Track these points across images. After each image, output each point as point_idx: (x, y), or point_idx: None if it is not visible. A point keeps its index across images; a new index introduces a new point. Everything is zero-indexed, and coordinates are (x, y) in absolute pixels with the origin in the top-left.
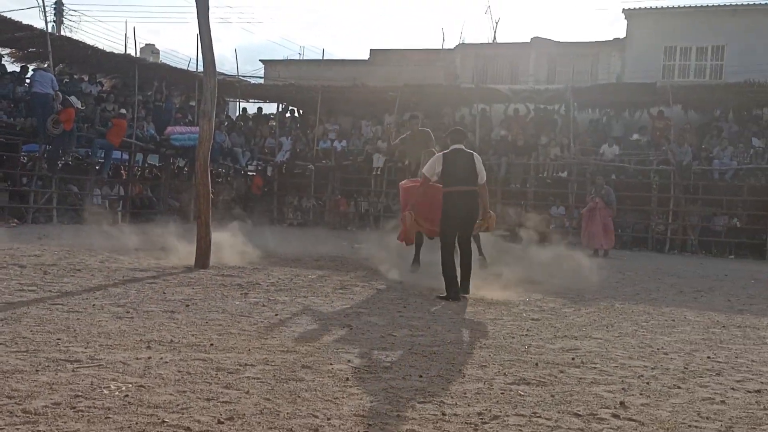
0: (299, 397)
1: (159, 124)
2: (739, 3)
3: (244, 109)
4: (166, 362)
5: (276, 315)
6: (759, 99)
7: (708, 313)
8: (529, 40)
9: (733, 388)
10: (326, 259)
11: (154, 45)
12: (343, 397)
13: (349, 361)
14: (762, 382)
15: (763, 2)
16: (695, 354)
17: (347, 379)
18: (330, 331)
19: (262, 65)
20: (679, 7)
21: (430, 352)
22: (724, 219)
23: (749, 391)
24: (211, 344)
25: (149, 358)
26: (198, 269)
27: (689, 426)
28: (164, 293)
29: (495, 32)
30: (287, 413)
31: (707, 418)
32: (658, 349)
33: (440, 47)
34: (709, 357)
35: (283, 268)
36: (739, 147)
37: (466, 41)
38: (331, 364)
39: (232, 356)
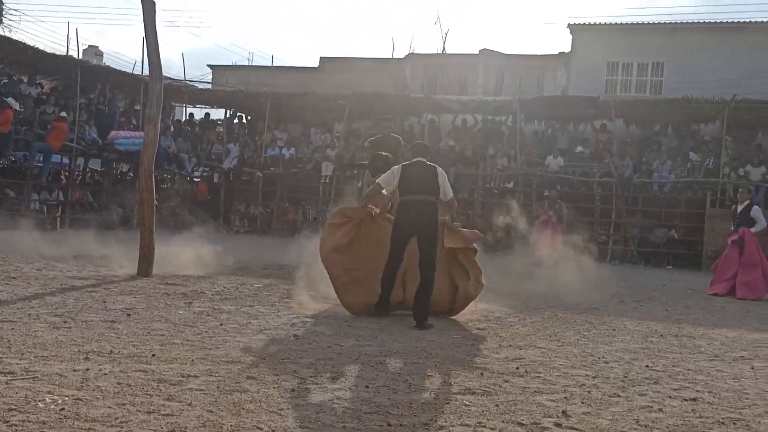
0: (243, 408)
1: (102, 128)
2: (678, 21)
3: (191, 114)
4: (105, 374)
5: (221, 325)
6: (696, 114)
7: (647, 322)
8: (477, 52)
9: (670, 396)
10: (273, 268)
11: (97, 47)
12: (288, 409)
13: (295, 371)
14: (698, 391)
15: (700, 21)
16: (634, 363)
17: (293, 390)
18: (276, 341)
19: (209, 70)
20: (621, 23)
21: (376, 362)
22: (662, 230)
23: (685, 399)
24: (153, 355)
25: (87, 369)
26: (140, 277)
27: None
28: (104, 302)
29: (444, 43)
30: (231, 426)
31: (645, 426)
32: (599, 358)
33: (390, 56)
34: (647, 366)
35: (228, 276)
36: (678, 161)
37: (416, 51)
38: (276, 374)
39: (175, 367)
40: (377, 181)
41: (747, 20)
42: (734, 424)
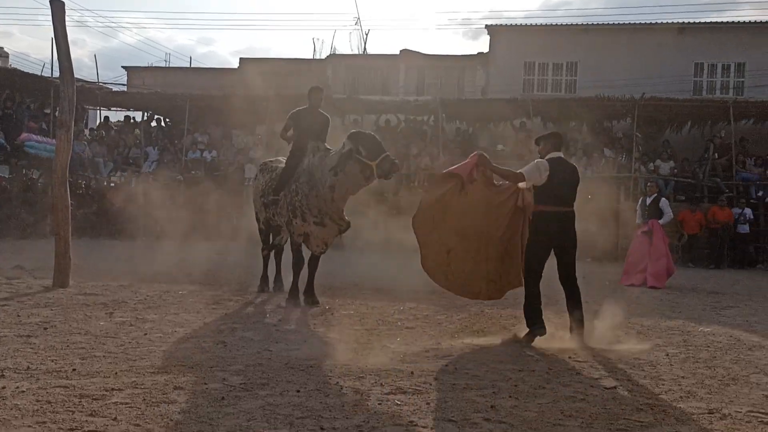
0: (171, 420)
1: (9, 133)
2: (590, 23)
3: (106, 117)
4: (23, 391)
5: (145, 335)
6: (609, 112)
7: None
8: (398, 53)
9: (592, 386)
10: (198, 274)
11: (2, 48)
12: (218, 417)
13: (224, 379)
14: (617, 379)
15: (611, 22)
16: (558, 355)
17: (222, 398)
18: (203, 349)
19: (124, 72)
20: (537, 25)
21: (306, 366)
22: (580, 225)
23: (606, 388)
24: (74, 369)
25: (3, 387)
26: (57, 288)
27: (554, 425)
28: (18, 316)
29: (365, 44)
30: None
31: (570, 416)
32: (524, 352)
33: (311, 57)
34: (570, 357)
35: (151, 284)
36: (593, 157)
37: (338, 52)
38: (205, 383)
39: (98, 381)
40: (520, 170)
41: (653, 21)
42: (652, 409)
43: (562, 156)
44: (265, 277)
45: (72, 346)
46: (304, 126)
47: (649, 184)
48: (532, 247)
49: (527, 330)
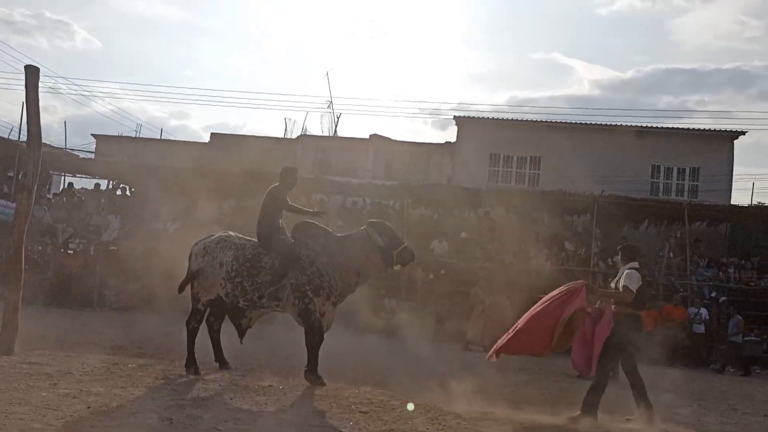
0: None
1: None
2: (553, 120)
3: (70, 183)
4: None
5: (88, 408)
6: (569, 207)
7: (523, 405)
8: (367, 137)
9: None
10: (150, 347)
11: None
12: None
13: None
14: None
15: (574, 122)
16: None
17: None
18: (148, 427)
19: (93, 139)
20: (503, 119)
21: None
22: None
23: None
24: None
25: None
26: (1, 356)
27: None
28: None
29: (336, 126)
30: None
31: None
32: None
33: (282, 136)
34: None
35: (100, 355)
36: (554, 249)
37: (309, 132)
38: None
39: None
40: (630, 287)
41: (614, 123)
42: None
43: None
44: (193, 358)
45: (11, 416)
46: (282, 204)
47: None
48: (623, 345)
49: (582, 411)
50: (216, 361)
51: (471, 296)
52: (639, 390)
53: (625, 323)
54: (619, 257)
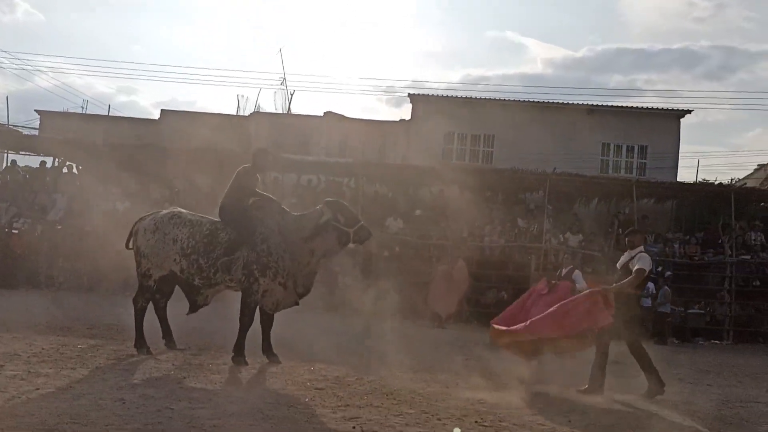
0: None
1: None
2: (507, 99)
3: (13, 161)
4: None
5: (36, 389)
6: (522, 184)
7: (477, 379)
8: (322, 114)
9: None
10: (100, 327)
11: None
12: None
13: None
14: None
15: (526, 99)
16: (465, 419)
17: None
18: (99, 407)
19: (37, 116)
20: (458, 97)
21: (210, 426)
22: (493, 292)
23: None
24: None
25: None
26: None
27: None
28: None
29: (290, 103)
30: None
31: None
32: (432, 415)
33: (235, 113)
34: (476, 421)
35: (48, 336)
36: (507, 226)
37: (262, 110)
38: None
39: None
40: (645, 268)
41: (565, 102)
42: None
43: None
44: (143, 337)
45: None
46: (251, 185)
47: (565, 256)
48: (629, 323)
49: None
50: (163, 338)
51: (439, 273)
52: (647, 365)
53: (629, 303)
54: (630, 240)
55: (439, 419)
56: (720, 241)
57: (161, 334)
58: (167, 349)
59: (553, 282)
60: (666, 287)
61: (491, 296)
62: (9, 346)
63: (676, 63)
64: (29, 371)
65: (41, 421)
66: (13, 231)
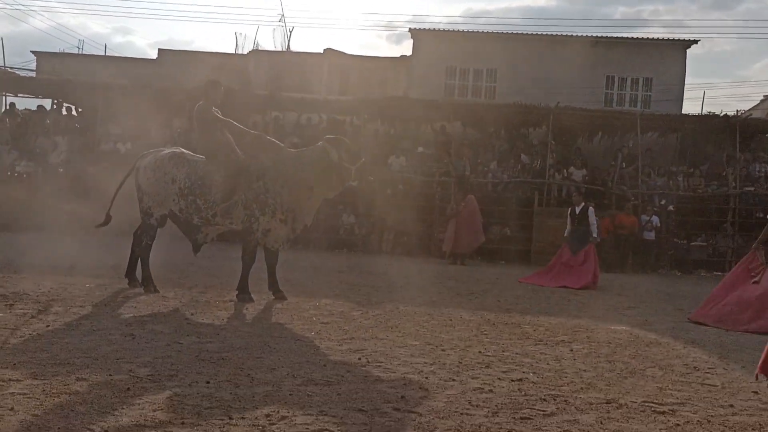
0: (72, 411)
1: None
2: (509, 32)
3: (12, 103)
4: None
5: (47, 327)
6: (525, 119)
7: (481, 312)
8: (322, 51)
9: (499, 378)
10: (106, 267)
11: None
12: (122, 408)
13: (130, 371)
14: (524, 372)
15: (529, 33)
16: (468, 349)
17: (128, 389)
18: (110, 342)
19: (33, 57)
20: (459, 31)
21: (218, 358)
22: (497, 228)
23: (513, 380)
24: None
25: None
26: None
27: (461, 414)
28: None
29: (289, 41)
30: (59, 428)
31: (476, 406)
32: (437, 346)
33: (233, 52)
34: (480, 352)
35: (55, 277)
36: (510, 162)
37: (260, 47)
38: (110, 375)
39: None
40: None
41: (569, 34)
42: (554, 399)
43: None
44: (149, 275)
45: None
46: (211, 118)
47: (574, 194)
48: None
49: None
50: (126, 276)
51: (448, 212)
52: None
53: None
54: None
55: (443, 350)
56: (724, 173)
57: (173, 276)
58: (130, 286)
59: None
60: (655, 217)
61: (495, 232)
62: (17, 286)
63: None
64: (39, 309)
65: (53, 356)
66: (14, 174)
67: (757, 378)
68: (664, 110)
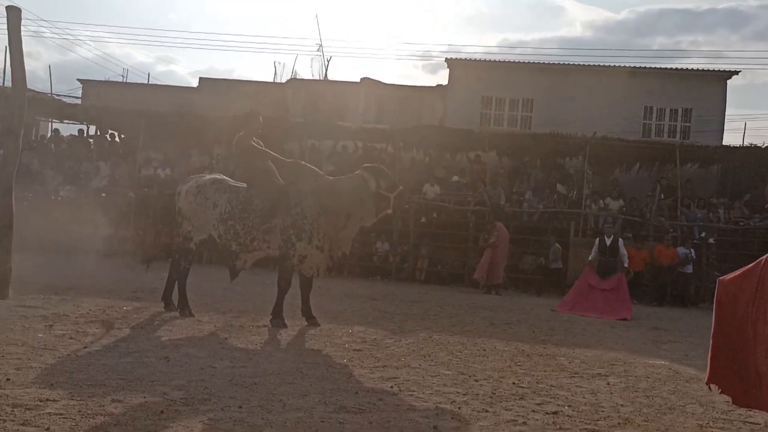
0: None
1: None
2: (546, 62)
3: (56, 129)
4: None
5: (85, 348)
6: (561, 149)
7: (514, 342)
8: (358, 80)
9: (533, 411)
10: (144, 290)
11: None
12: (156, 430)
13: (164, 393)
14: (559, 405)
15: (566, 63)
16: (502, 380)
17: (161, 412)
18: (145, 364)
19: (80, 85)
20: (495, 61)
21: (251, 383)
22: (531, 258)
23: (548, 413)
24: (8, 379)
25: None
26: None
27: None
28: None
29: (326, 70)
30: None
31: None
32: (470, 376)
33: (272, 81)
34: (514, 383)
35: (95, 298)
36: (546, 192)
37: (298, 76)
38: (144, 397)
39: (32, 391)
40: None
41: (605, 64)
42: None
43: None
44: (185, 299)
45: (7, 356)
46: (250, 148)
47: (607, 225)
48: None
49: None
50: (162, 299)
51: (480, 242)
52: None
53: None
54: None
55: (476, 380)
56: (766, 206)
57: (205, 300)
58: (165, 310)
59: None
60: (557, 244)
61: (530, 262)
62: (57, 308)
63: (722, 23)
64: (77, 331)
65: (90, 377)
66: (58, 198)
67: (709, 388)
68: (703, 141)
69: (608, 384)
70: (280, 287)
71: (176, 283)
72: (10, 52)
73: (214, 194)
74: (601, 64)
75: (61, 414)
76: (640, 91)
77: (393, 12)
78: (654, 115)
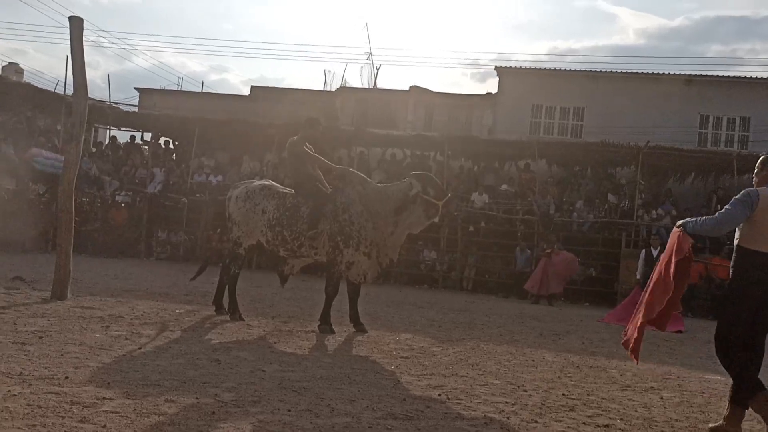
0: (161, 431)
1: (19, 147)
2: (598, 70)
3: (113, 136)
4: (15, 395)
5: (139, 348)
6: (613, 158)
7: (564, 354)
8: (407, 89)
9: (584, 423)
10: (196, 294)
11: (18, 64)
12: (208, 430)
13: (216, 395)
14: (610, 418)
15: (617, 70)
16: (552, 391)
17: (213, 413)
18: (197, 366)
19: (136, 93)
20: (546, 69)
21: (299, 387)
22: (581, 268)
23: (599, 426)
24: (66, 377)
25: None
26: (55, 300)
27: None
28: (15, 324)
29: (376, 78)
30: None
31: None
32: (518, 386)
33: (322, 89)
34: (564, 394)
35: (149, 301)
36: (596, 202)
37: (348, 84)
38: (196, 398)
39: (90, 390)
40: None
41: (659, 72)
42: None
43: None
44: (235, 303)
45: (66, 355)
46: (303, 153)
47: (653, 237)
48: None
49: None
50: (213, 303)
51: (537, 252)
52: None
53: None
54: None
55: (525, 390)
56: None
57: (259, 305)
58: (216, 313)
59: None
60: (528, 250)
61: (580, 273)
62: (114, 310)
63: None
64: (132, 332)
65: (144, 377)
66: (116, 203)
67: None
68: (763, 150)
69: (662, 398)
70: (328, 293)
71: (227, 287)
72: (72, 60)
73: (263, 200)
74: (655, 72)
75: (117, 412)
76: (696, 100)
77: (442, 20)
78: (710, 124)
